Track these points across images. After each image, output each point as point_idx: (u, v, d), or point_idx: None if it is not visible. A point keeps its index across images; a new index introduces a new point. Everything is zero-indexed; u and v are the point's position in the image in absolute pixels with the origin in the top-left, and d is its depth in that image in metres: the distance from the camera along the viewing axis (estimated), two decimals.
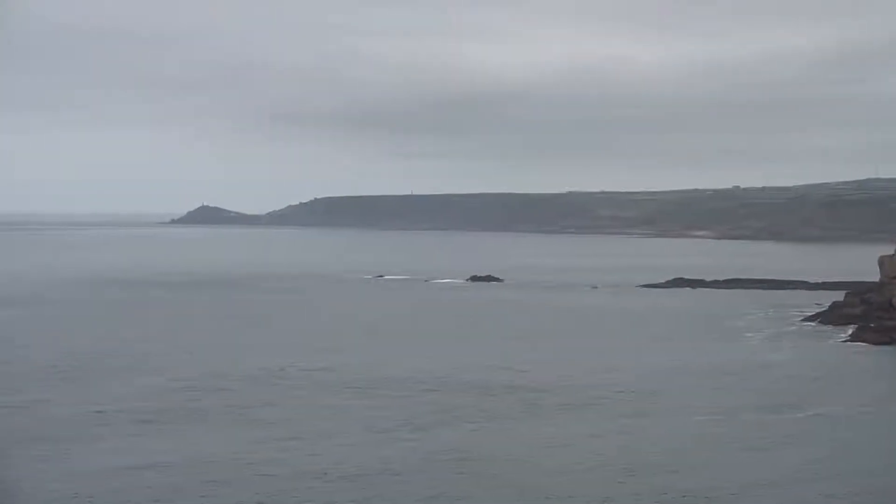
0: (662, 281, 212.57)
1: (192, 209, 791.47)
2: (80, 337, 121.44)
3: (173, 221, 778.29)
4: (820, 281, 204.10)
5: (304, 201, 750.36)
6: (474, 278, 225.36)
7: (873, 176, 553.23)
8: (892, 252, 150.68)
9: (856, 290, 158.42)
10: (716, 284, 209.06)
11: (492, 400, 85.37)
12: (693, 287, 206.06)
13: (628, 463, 65.31)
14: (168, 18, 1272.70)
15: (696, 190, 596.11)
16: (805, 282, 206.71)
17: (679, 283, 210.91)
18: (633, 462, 65.59)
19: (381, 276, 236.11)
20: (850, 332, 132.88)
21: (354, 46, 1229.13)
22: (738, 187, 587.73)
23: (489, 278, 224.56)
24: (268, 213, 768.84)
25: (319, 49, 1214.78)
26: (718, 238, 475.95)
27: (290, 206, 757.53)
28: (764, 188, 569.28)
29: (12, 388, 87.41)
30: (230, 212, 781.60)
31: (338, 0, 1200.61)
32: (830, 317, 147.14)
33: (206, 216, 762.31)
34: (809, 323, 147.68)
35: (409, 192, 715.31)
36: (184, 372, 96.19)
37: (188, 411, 78.51)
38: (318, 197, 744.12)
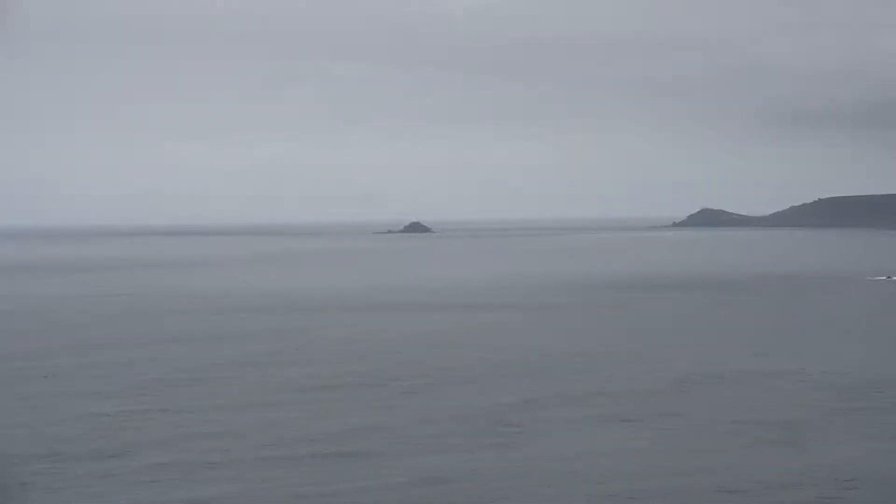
0: None
1: (693, 212, 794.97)
2: (585, 338, 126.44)
3: (674, 225, 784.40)
4: None
5: (808, 202, 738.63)
6: None
7: None
8: None
9: None
10: None
11: None
12: None
13: None
14: (673, 24, 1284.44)
15: None
16: None
17: None
18: None
19: (889, 277, 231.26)
20: None
21: (870, 42, 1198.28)
22: None
23: None
24: (769, 215, 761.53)
25: (830, 47, 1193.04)
26: None
27: (792, 208, 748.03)
28: None
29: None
30: (732, 214, 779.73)
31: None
32: None
33: (708, 219, 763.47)
34: None
35: None
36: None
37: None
38: (822, 197, 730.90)
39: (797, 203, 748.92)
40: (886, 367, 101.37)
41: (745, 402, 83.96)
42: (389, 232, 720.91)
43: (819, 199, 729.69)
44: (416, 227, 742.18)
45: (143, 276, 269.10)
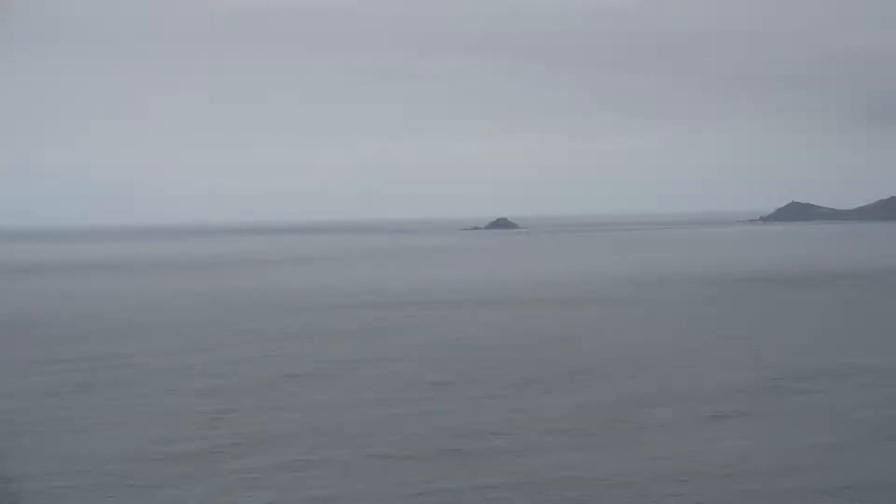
0: None
1: (781, 206, 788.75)
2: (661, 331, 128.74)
3: (762, 219, 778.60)
4: None
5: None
6: None
7: None
8: None
9: None
10: None
11: None
12: None
13: None
14: (766, 17, 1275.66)
15: None
16: None
17: None
18: None
19: None
20: None
21: None
22: None
23: None
24: (856, 209, 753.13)
25: None
26: None
27: (880, 201, 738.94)
28: None
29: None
30: (820, 207, 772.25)
31: None
32: None
33: (796, 212, 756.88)
34: None
35: None
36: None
37: None
38: None
39: (885, 196, 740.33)
40: None
41: (850, 399, 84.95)
42: (475, 228, 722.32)
43: None
44: (501, 223, 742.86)
45: (246, 272, 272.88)
